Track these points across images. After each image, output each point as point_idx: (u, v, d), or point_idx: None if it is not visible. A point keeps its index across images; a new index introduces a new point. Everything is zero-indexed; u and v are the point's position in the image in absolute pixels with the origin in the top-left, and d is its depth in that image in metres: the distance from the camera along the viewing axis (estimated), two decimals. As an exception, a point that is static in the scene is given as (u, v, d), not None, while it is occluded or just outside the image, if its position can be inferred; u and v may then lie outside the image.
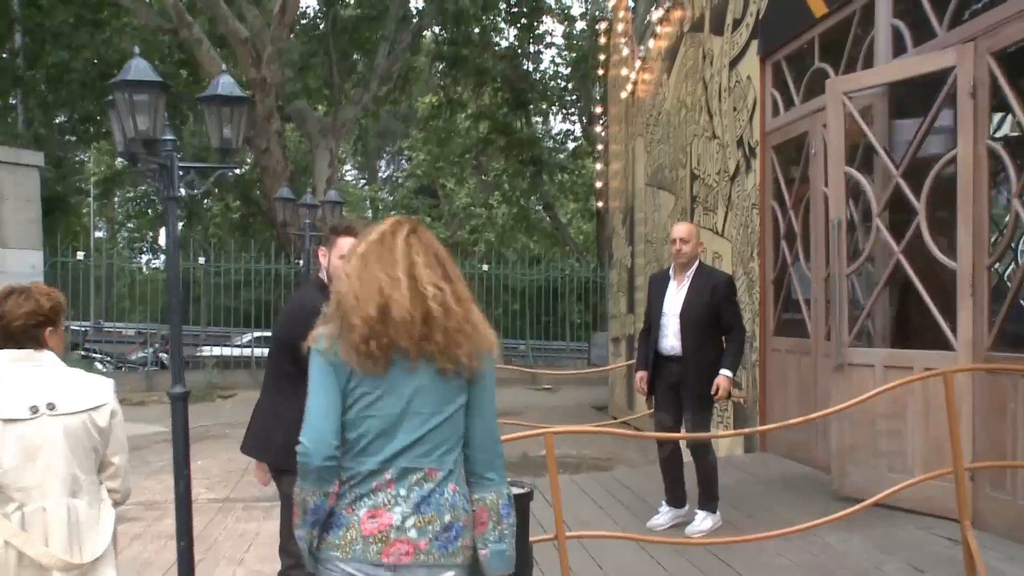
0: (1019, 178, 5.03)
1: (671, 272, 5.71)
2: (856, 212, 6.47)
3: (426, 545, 2.21)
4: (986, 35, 5.19)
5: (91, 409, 2.78)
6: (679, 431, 5.63)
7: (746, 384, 8.41)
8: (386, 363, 2.21)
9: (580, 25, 26.81)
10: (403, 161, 38.87)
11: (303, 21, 23.32)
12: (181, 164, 3.89)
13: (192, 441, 11.60)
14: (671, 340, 5.52)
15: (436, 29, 24.56)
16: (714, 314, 5.44)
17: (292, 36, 20.32)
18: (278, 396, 3.64)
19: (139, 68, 3.56)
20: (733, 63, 8.77)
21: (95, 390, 2.83)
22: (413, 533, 2.21)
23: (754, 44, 8.30)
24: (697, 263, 5.63)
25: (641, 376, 5.73)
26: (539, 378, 16.74)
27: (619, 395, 13.11)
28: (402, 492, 2.23)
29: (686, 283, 5.54)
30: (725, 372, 5.36)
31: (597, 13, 26.04)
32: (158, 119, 3.63)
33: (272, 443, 3.63)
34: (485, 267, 19.92)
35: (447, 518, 2.24)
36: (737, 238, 8.64)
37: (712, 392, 5.36)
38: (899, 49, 6.14)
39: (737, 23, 8.69)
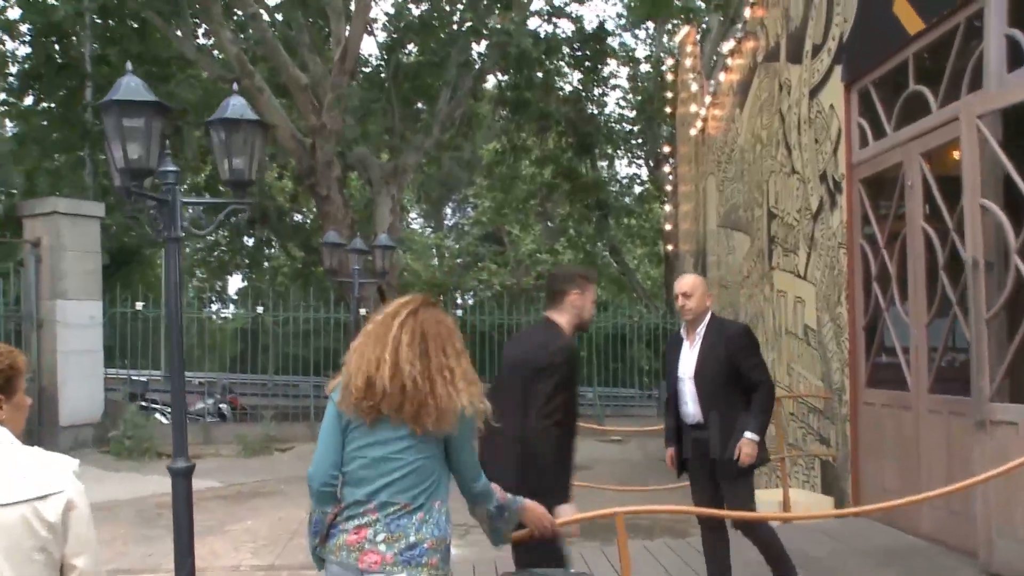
0: None
1: (683, 331, 5.20)
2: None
3: (392, 558, 2.77)
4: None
5: (35, 499, 2.21)
6: (720, 507, 5.01)
7: (835, 441, 7.62)
8: (373, 420, 2.81)
9: (645, 67, 26.28)
10: (468, 209, 38.62)
11: (365, 69, 23.20)
12: (185, 200, 3.37)
13: (244, 498, 11.17)
14: (691, 406, 5.01)
15: (499, 75, 24.29)
16: (733, 371, 4.88)
17: (353, 83, 20.14)
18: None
19: (130, 87, 3.06)
20: (813, 92, 8.10)
21: (46, 475, 2.26)
22: (383, 547, 2.77)
23: (837, 70, 7.62)
24: (708, 317, 5.07)
25: (669, 453, 5.24)
26: (602, 426, 16.01)
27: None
28: (381, 518, 2.80)
29: (698, 341, 5.02)
30: (749, 435, 4.78)
31: (662, 55, 25.53)
32: (153, 146, 3.10)
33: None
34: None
35: (412, 539, 2.79)
36: (822, 281, 7.90)
37: (735, 458, 4.79)
38: (1016, 62, 5.41)
39: (817, 49, 8.03)
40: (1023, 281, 5.17)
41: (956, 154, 6.11)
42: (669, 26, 26.01)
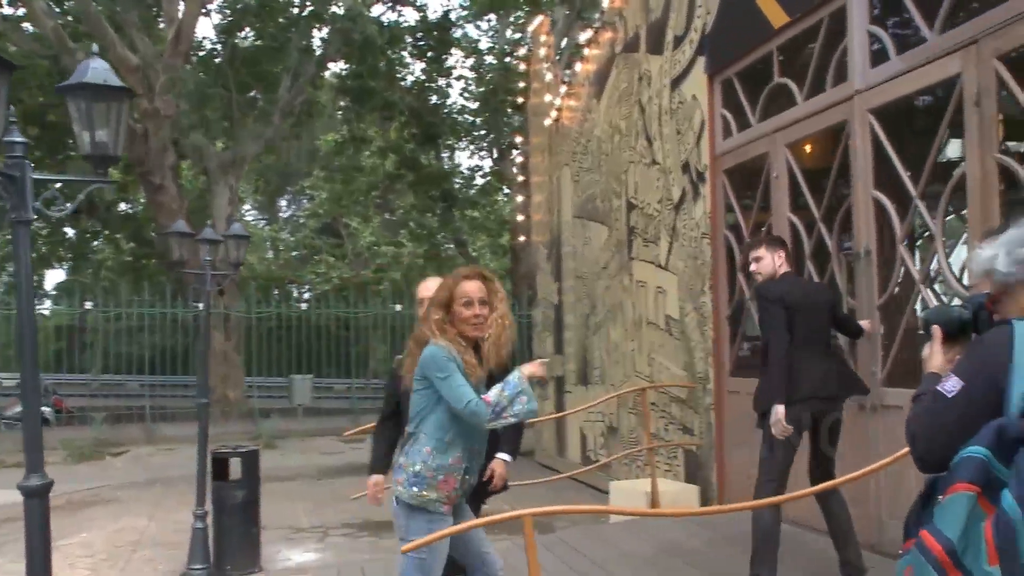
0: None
1: None
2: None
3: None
4: (991, 35, 4.59)
5: None
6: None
7: (699, 430, 7.68)
8: None
9: (489, 59, 26.20)
10: (304, 200, 37.59)
11: (199, 52, 22.11)
12: (37, 176, 2.91)
13: (75, 509, 10.31)
14: None
15: (340, 64, 23.65)
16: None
17: (188, 66, 19.12)
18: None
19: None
20: (675, 83, 8.13)
21: None
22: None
23: (700, 61, 7.67)
24: None
25: (375, 481, 4.46)
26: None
27: (548, 440, 12.28)
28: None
29: None
30: (502, 456, 4.29)
31: (506, 46, 25.51)
32: (-2, 111, 2.65)
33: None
34: (399, 307, 18.91)
35: (399, 460, 3.66)
36: (685, 271, 7.95)
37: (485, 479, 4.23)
38: (878, 58, 5.53)
39: (679, 40, 8.07)
40: (909, 270, 5.31)
41: (823, 145, 6.25)
42: (512, 18, 26.05)
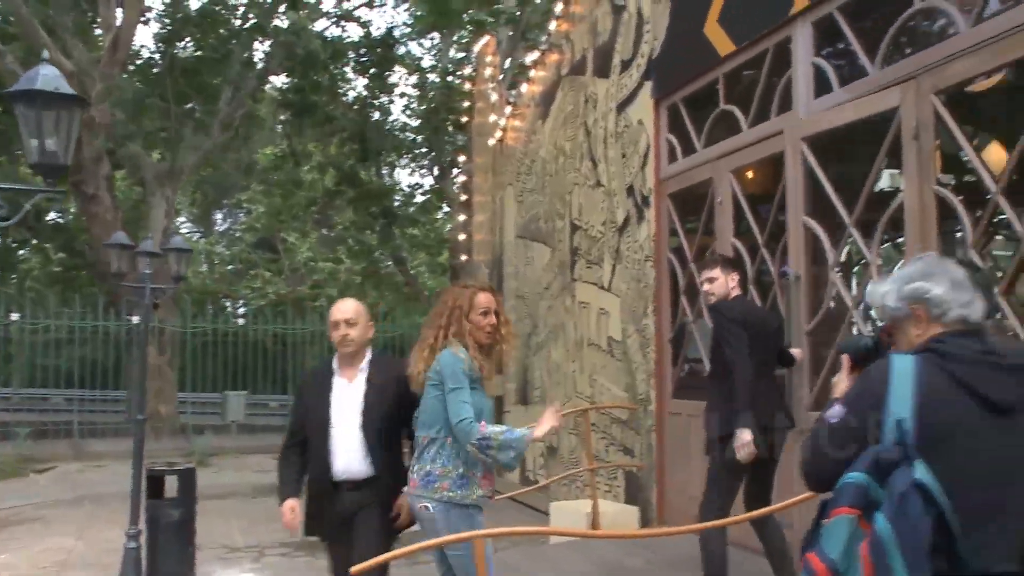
0: (975, 226, 4.56)
1: (335, 366, 4.28)
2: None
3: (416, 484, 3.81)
4: (928, 72, 4.73)
5: None
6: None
7: (640, 451, 7.73)
8: None
9: (432, 77, 26.20)
10: (241, 214, 37.11)
11: (137, 61, 21.74)
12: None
13: (-2, 526, 10.01)
14: (345, 458, 4.12)
15: (282, 77, 23.44)
16: (404, 415, 4.07)
17: (124, 75, 18.77)
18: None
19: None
20: (622, 107, 8.23)
21: None
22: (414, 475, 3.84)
23: (647, 86, 7.78)
24: (370, 351, 4.29)
25: (291, 507, 4.17)
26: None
27: (486, 461, 12.24)
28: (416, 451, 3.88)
29: (361, 378, 4.23)
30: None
31: (449, 65, 25.55)
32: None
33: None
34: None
35: (427, 468, 3.77)
36: (628, 293, 8.02)
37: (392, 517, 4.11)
38: (822, 89, 5.67)
39: (626, 64, 8.17)
40: (841, 297, 5.42)
41: (767, 172, 6.37)
42: (455, 37, 26.13)
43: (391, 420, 4.15)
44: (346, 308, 4.25)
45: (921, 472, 2.06)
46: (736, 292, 5.02)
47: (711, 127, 6.92)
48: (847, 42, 5.43)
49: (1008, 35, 4.27)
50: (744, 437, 4.61)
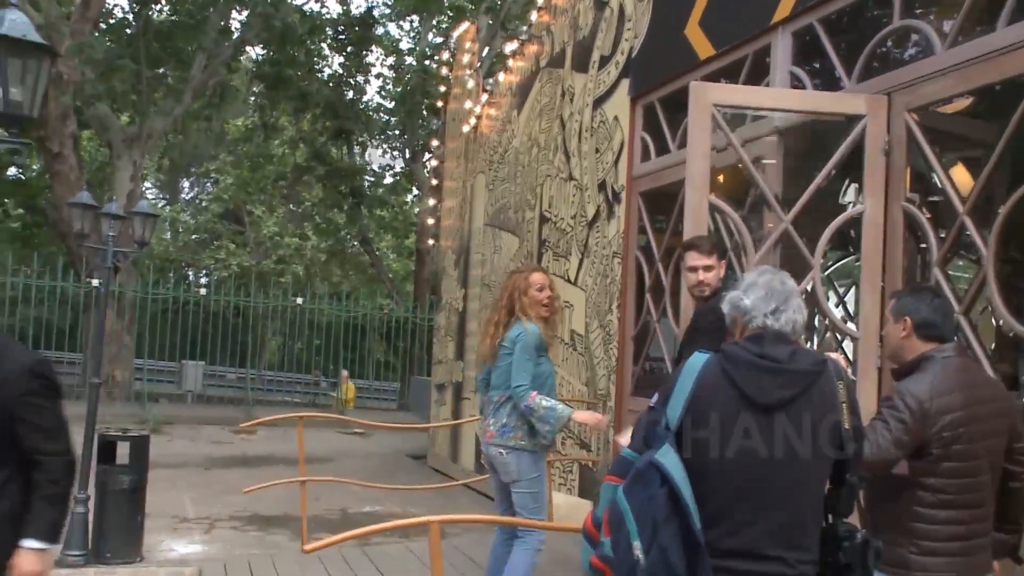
0: (939, 244, 4.64)
1: None
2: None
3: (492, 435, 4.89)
4: (903, 90, 4.80)
5: None
6: None
7: (596, 446, 7.80)
8: None
9: (409, 60, 26.09)
10: (208, 184, 36.71)
11: (110, 21, 21.42)
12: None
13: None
14: None
15: (258, 48, 23.23)
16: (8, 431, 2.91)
17: (96, 33, 18.48)
18: None
19: None
20: (598, 102, 8.26)
21: None
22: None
23: (624, 83, 7.81)
24: None
25: None
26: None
27: (441, 445, 12.27)
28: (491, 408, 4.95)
29: None
30: (31, 544, 2.89)
31: (427, 49, 25.46)
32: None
33: None
34: (299, 300, 18.64)
35: (503, 421, 4.83)
36: (594, 288, 8.07)
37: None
38: (798, 98, 5.72)
39: (605, 60, 8.20)
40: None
41: (739, 177, 6.43)
42: (435, 21, 26.03)
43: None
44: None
45: (663, 453, 2.36)
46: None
47: (685, 129, 6.95)
48: (825, 54, 5.49)
49: (982, 60, 4.35)
50: None
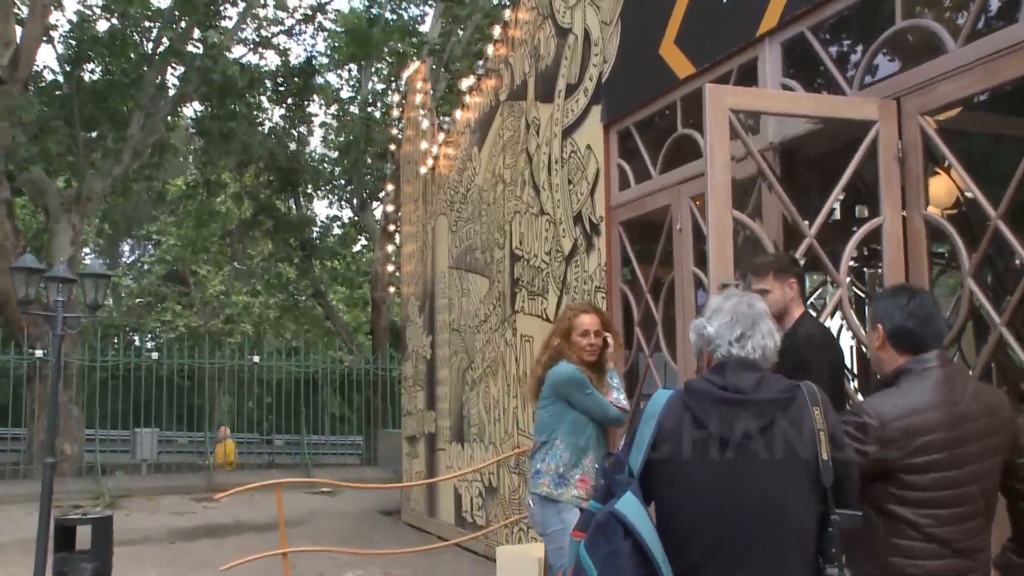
0: (970, 254, 4.34)
1: None
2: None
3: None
4: (914, 93, 4.53)
5: None
6: None
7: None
8: None
9: (352, 109, 25.73)
10: (149, 245, 35.85)
11: (41, 84, 20.75)
12: None
13: None
14: None
15: (195, 104, 22.68)
16: None
17: (25, 95, 17.79)
18: None
19: None
20: (567, 132, 7.95)
21: None
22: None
23: (595, 110, 7.51)
24: None
25: None
26: (313, 476, 15.16)
27: (417, 500, 11.72)
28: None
29: None
30: None
31: (370, 96, 25.16)
32: None
33: None
34: (256, 359, 18.02)
35: (537, 467, 4.73)
36: (576, 325, 7.67)
37: None
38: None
39: (572, 88, 7.91)
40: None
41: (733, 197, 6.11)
42: (374, 69, 25.75)
43: None
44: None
45: (624, 503, 2.15)
46: (798, 307, 4.01)
47: (669, 152, 6.66)
48: (820, 62, 5.22)
49: (1003, 55, 4.08)
50: None
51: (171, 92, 20.33)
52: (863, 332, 4.97)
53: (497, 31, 9.71)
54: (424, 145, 11.85)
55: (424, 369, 11.79)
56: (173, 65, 20.33)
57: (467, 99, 10.47)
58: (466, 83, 10.49)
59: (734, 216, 4.28)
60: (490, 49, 9.85)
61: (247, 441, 21.03)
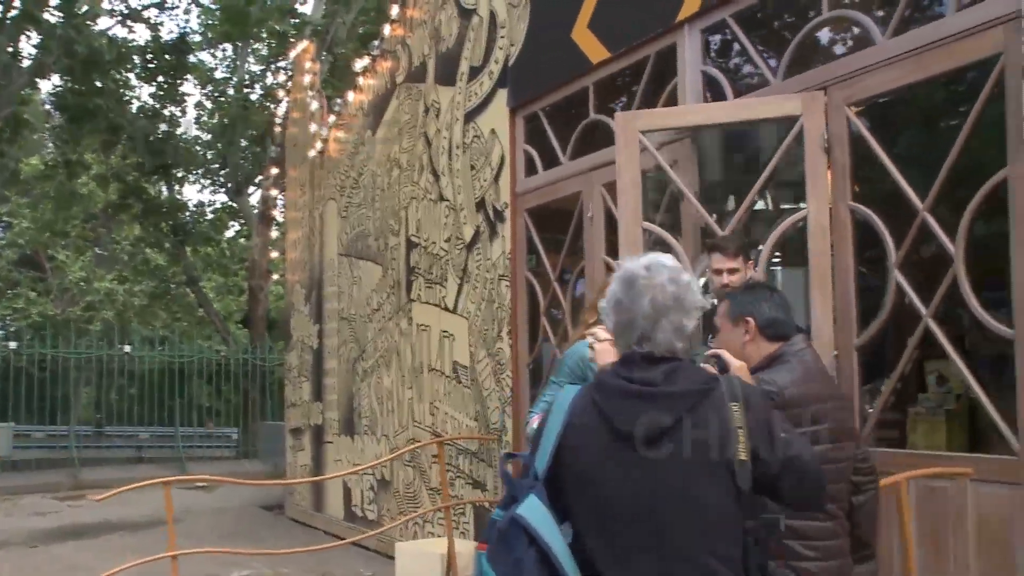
0: (897, 246, 4.34)
1: None
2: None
3: None
4: (841, 84, 4.50)
5: None
6: None
7: (493, 484, 7.19)
8: None
9: (229, 91, 24.72)
10: (0, 228, 33.78)
11: None
12: None
13: None
14: None
15: (55, 78, 21.36)
16: None
17: None
18: None
19: None
20: (470, 116, 7.73)
21: None
22: None
23: (501, 94, 7.31)
24: None
25: None
26: (187, 472, 14.51)
27: (302, 494, 11.30)
28: None
29: None
30: None
31: (246, 78, 24.27)
32: None
33: None
34: (127, 348, 17.12)
35: None
36: (477, 315, 7.49)
37: None
38: (716, 99, 5.37)
39: (476, 71, 7.68)
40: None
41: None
42: (252, 48, 24.89)
43: None
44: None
45: (526, 507, 1.99)
46: None
47: (580, 138, 6.52)
48: (742, 51, 5.16)
49: (930, 48, 4.08)
50: None
51: (26, 63, 19.10)
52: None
53: (395, 11, 9.38)
54: (313, 128, 11.41)
55: (310, 359, 11.37)
56: (27, 33, 19.08)
57: (360, 81, 10.10)
58: (360, 64, 10.13)
59: (645, 227, 4.30)
60: (387, 29, 9.51)
61: (111, 434, 20.03)
